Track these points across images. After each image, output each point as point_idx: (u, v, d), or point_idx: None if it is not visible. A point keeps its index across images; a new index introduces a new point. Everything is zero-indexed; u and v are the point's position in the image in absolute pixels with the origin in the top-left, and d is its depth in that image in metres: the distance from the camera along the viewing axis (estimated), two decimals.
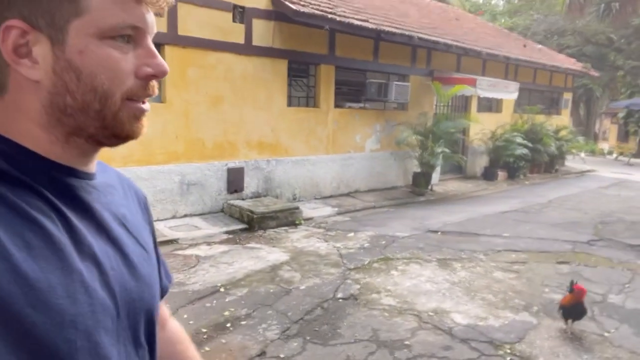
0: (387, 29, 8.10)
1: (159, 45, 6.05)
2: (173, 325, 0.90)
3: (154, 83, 0.61)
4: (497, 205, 8.55)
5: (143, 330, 0.65)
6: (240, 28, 6.83)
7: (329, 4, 7.99)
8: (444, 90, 9.40)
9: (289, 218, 6.69)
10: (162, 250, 4.09)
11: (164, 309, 0.85)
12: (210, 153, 6.75)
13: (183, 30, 6.22)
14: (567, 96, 15.11)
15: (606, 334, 3.59)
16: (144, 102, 0.61)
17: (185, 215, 6.56)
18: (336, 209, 7.75)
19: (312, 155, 8.09)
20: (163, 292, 0.80)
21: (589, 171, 14.52)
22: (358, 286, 4.37)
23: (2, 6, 0.54)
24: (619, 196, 10.03)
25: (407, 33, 8.43)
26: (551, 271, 4.96)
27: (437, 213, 7.63)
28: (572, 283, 3.60)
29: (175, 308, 3.81)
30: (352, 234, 6.17)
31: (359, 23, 7.65)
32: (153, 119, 6.07)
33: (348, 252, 5.37)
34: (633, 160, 17.74)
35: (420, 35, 8.75)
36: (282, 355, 3.16)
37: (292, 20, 6.99)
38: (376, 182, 9.28)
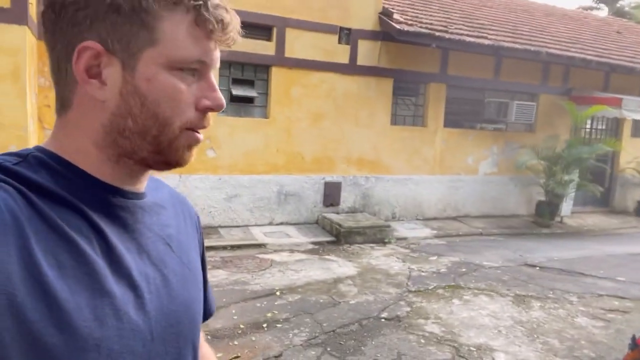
0: (506, 44, 7.61)
1: (266, 67, 6.69)
2: (205, 351, 0.88)
3: (209, 116, 0.63)
4: (635, 245, 7.28)
5: (182, 354, 0.65)
6: (345, 49, 7.11)
7: (444, 21, 7.84)
8: (579, 111, 8.39)
9: (377, 235, 6.69)
10: (249, 252, 4.63)
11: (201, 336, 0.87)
12: (308, 166, 7.12)
13: (290, 52, 6.75)
14: None
15: None
16: (199, 133, 0.63)
17: (281, 223, 7.02)
18: (435, 231, 7.47)
19: (416, 174, 7.94)
20: (206, 316, 0.81)
21: None
22: (408, 309, 4.22)
23: (83, 27, 0.56)
24: None
25: (532, 49, 7.79)
26: None
27: (550, 247, 6.82)
28: (634, 338, 2.98)
29: (229, 303, 4.17)
30: (434, 258, 5.91)
31: (472, 40, 7.34)
32: (257, 133, 6.69)
33: (419, 275, 5.18)
34: None
35: (550, 51, 7.99)
36: None
37: (399, 39, 7.04)
38: (491, 208, 8.66)
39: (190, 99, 0.59)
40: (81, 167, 0.58)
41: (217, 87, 0.62)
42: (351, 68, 7.18)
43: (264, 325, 3.80)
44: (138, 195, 0.64)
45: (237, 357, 3.33)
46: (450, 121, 8.23)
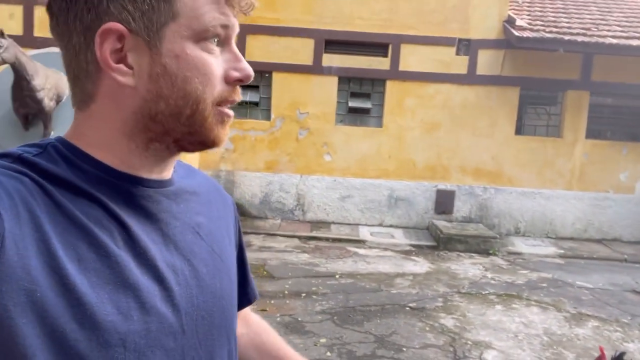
0: None
1: (382, 81, 7.32)
2: (256, 320, 0.88)
3: (238, 89, 0.59)
4: None
5: (216, 346, 0.62)
6: (464, 60, 7.22)
7: (591, 21, 7.17)
8: None
9: (481, 245, 6.58)
10: (344, 245, 5.58)
11: (251, 318, 0.86)
12: (420, 173, 7.42)
13: (404, 66, 7.24)
14: None
15: None
16: (229, 108, 0.59)
17: (391, 226, 7.47)
18: (562, 251, 6.85)
19: (547, 189, 7.38)
20: (252, 298, 0.82)
21: None
22: (441, 304, 4.35)
23: (100, 9, 0.52)
24: None
25: None
26: None
27: None
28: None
29: (291, 277, 5.00)
30: (526, 272, 5.60)
31: (616, 42, 6.58)
32: (370, 140, 7.37)
33: (487, 282, 5.09)
34: None
35: None
36: (300, 319, 3.91)
37: (523, 47, 6.82)
38: None
39: (219, 71, 0.56)
40: (103, 159, 0.55)
41: (242, 56, 0.59)
42: (470, 78, 7.23)
43: (303, 295, 4.51)
44: (163, 183, 0.61)
45: (265, 310, 4.14)
46: (596, 132, 7.39)
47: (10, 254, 0.44)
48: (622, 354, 2.86)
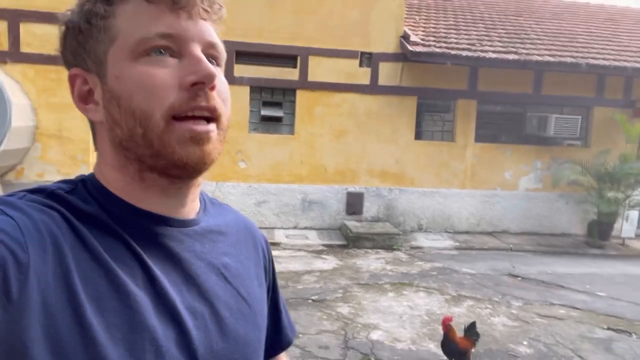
0: (537, 58, 7.53)
1: (293, 90, 7.72)
2: None
3: (206, 93, 0.54)
4: None
5: None
6: (366, 71, 7.82)
7: (478, 38, 8.04)
8: (630, 125, 7.77)
9: (387, 242, 7.17)
10: None
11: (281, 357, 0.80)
12: (331, 177, 7.91)
13: (312, 76, 7.70)
14: None
15: None
16: (208, 121, 0.55)
17: (305, 228, 7.89)
18: (458, 243, 7.61)
19: (444, 188, 8.15)
20: (285, 344, 0.78)
21: None
22: (340, 295, 4.79)
23: (69, 60, 0.58)
24: None
25: (568, 61, 7.56)
26: (577, 331, 4.06)
27: (575, 265, 6.55)
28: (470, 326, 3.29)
29: None
30: (421, 263, 6.22)
31: (495, 56, 7.46)
32: (283, 147, 7.74)
33: (385, 274, 5.63)
34: None
35: (594, 62, 7.63)
36: None
37: (417, 60, 7.52)
38: (536, 226, 8.37)
39: (168, 81, 0.53)
40: (125, 197, 0.56)
41: (202, 58, 0.54)
42: (372, 88, 7.84)
43: None
44: (187, 222, 0.60)
45: None
46: (483, 136, 8.28)
47: (33, 289, 0.45)
48: (473, 323, 3.43)
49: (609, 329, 4.19)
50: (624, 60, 7.84)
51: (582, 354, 3.69)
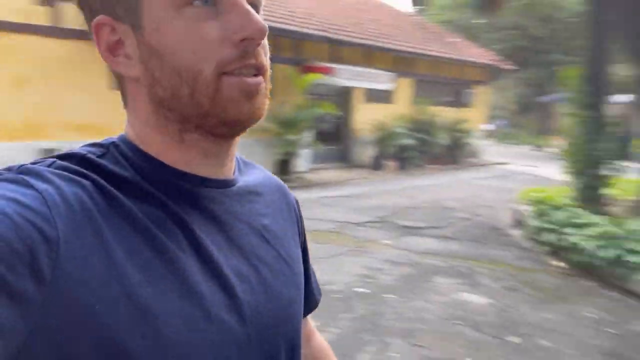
0: None
1: None
2: (318, 342, 0.81)
3: (255, 49, 0.50)
4: (351, 189, 8.72)
5: (283, 356, 0.58)
6: (45, 10, 6.98)
7: None
8: (299, 79, 9.53)
9: None
10: None
11: (309, 323, 0.79)
12: (17, 133, 6.92)
13: None
14: (476, 89, 15.12)
15: None
16: (255, 75, 0.51)
17: None
18: None
19: None
20: (313, 306, 0.75)
21: (501, 163, 14.57)
22: None
23: (93, 8, 0.51)
24: (488, 186, 10.08)
25: None
26: None
27: None
28: None
29: None
30: None
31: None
32: None
33: None
34: (548, 150, 17.75)
35: (268, 24, 8.86)
36: None
37: None
38: None
39: (215, 35, 0.48)
40: (162, 158, 0.52)
41: (251, 10, 0.49)
42: (56, 31, 7.08)
43: None
44: (225, 183, 0.57)
45: None
46: None
47: (66, 265, 0.41)
48: None
49: None
50: (294, 25, 9.41)
51: None
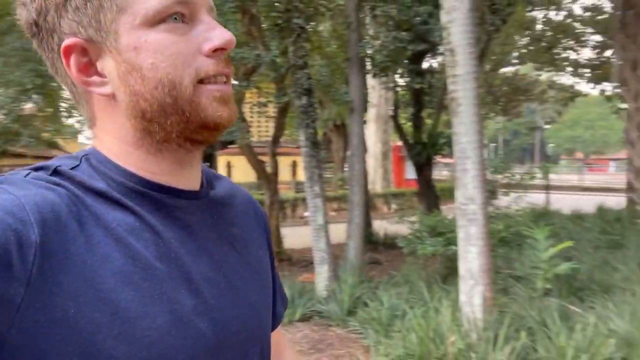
0: None
1: None
2: (292, 357, 0.84)
3: (224, 57, 0.54)
4: None
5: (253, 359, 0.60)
6: None
7: None
8: None
9: None
10: None
11: (281, 338, 0.79)
12: None
13: None
14: None
15: None
16: (224, 82, 0.55)
17: None
18: None
19: None
20: (277, 319, 0.75)
21: None
22: None
23: (56, 30, 0.52)
24: None
25: None
26: None
27: None
28: None
29: None
30: None
31: None
32: None
33: None
34: None
35: None
36: None
37: None
38: None
39: (190, 48, 0.52)
40: (130, 169, 0.54)
41: (216, 24, 0.54)
42: None
43: None
44: (196, 194, 0.59)
45: None
46: None
47: (44, 268, 0.42)
48: None
49: None
50: None
51: None
